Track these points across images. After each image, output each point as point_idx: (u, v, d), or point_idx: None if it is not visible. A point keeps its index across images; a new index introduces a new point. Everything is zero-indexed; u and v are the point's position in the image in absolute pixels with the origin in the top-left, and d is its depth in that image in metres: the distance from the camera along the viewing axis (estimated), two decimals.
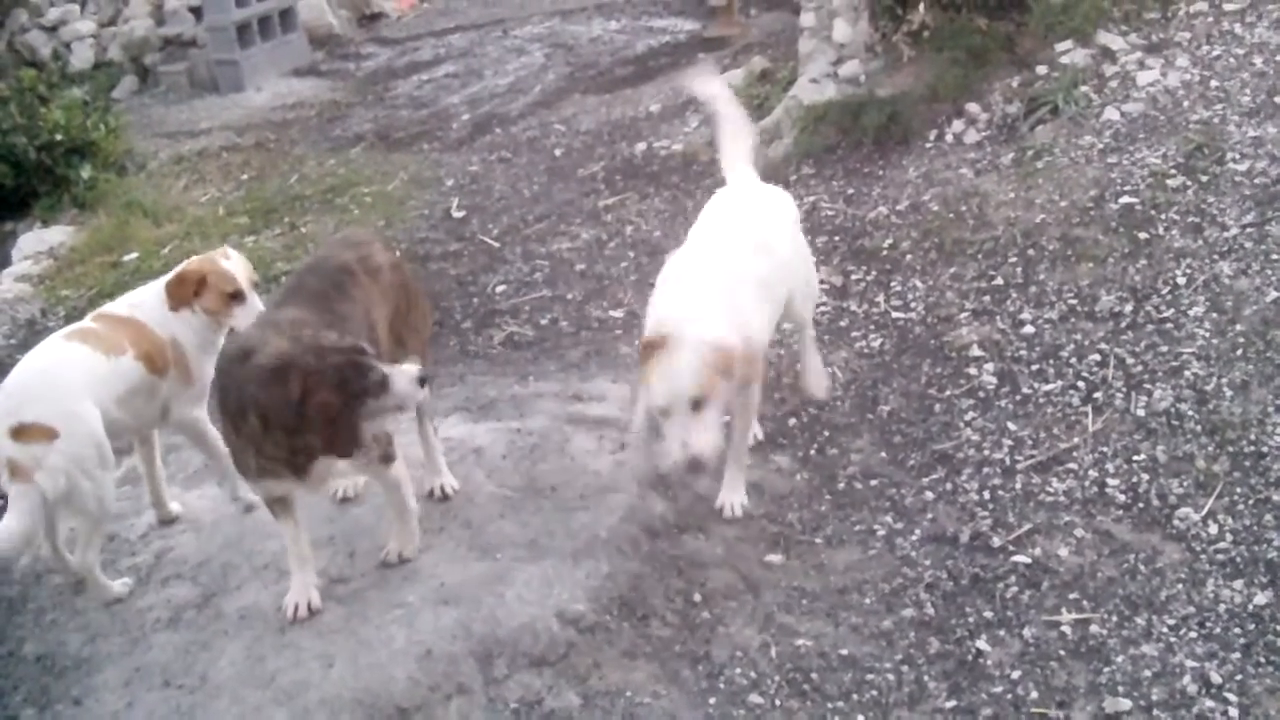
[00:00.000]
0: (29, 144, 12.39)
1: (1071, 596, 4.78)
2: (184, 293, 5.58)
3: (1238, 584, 4.78)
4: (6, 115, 12.50)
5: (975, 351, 6.39)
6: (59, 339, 5.51)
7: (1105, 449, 5.55)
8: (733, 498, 5.53)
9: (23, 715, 5.13)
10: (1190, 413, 5.64)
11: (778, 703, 4.49)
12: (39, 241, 11.61)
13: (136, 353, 5.44)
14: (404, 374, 4.59)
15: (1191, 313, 6.24)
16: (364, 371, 4.54)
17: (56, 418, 5.07)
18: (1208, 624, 4.62)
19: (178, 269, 5.74)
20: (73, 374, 5.23)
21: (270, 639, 5.20)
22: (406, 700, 4.71)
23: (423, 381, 4.62)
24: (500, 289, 8.52)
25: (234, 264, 5.68)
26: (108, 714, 4.99)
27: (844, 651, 4.67)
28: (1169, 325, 6.21)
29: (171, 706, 4.95)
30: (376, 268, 5.40)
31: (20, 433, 4.99)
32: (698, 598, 5.06)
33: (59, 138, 12.56)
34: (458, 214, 10.16)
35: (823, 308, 7.20)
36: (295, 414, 4.49)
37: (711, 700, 4.52)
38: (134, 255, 10.44)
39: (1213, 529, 5.05)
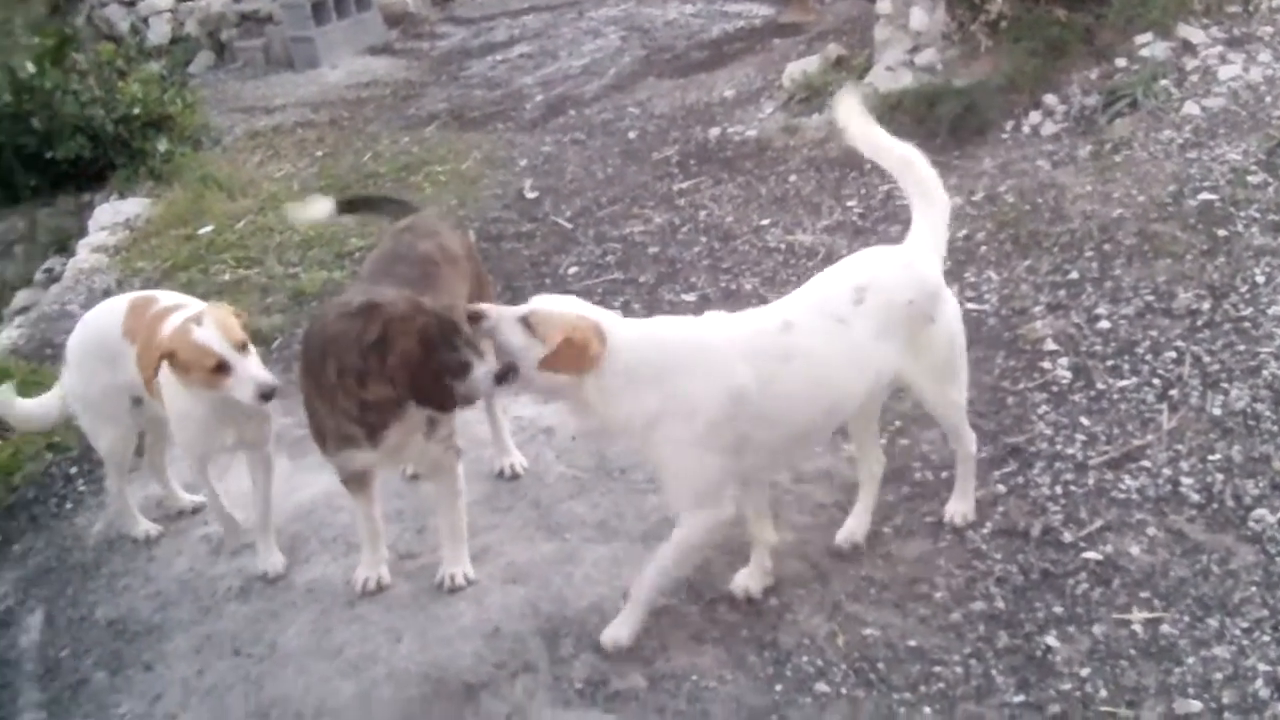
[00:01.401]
0: (107, 117, 12.54)
1: (1143, 595, 4.72)
2: (148, 365, 5.11)
3: None
4: (85, 88, 12.64)
5: (1050, 345, 6.34)
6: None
7: (1180, 447, 5.48)
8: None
9: (94, 679, 5.21)
10: (1267, 413, 5.57)
11: (843, 691, 4.48)
12: (115, 213, 11.73)
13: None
14: (485, 367, 4.57)
15: (1270, 311, 6.17)
16: (452, 340, 4.54)
17: None
18: None
19: (152, 335, 5.23)
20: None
21: (338, 611, 5.26)
22: (472, 677, 4.75)
23: (500, 379, 4.55)
24: (572, 270, 8.55)
25: (207, 331, 4.93)
26: (177, 680, 5.06)
27: (912, 642, 4.65)
28: (1247, 324, 6.14)
29: (240, 675, 5.01)
30: (455, 256, 5.44)
31: None
32: (769, 581, 5.05)
33: (136, 111, 12.71)
34: (531, 194, 10.18)
35: None
36: (373, 354, 4.50)
37: (777, 687, 4.52)
38: (209, 228, 10.52)
39: None
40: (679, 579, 4.84)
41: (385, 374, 4.51)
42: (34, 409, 6.11)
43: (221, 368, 4.90)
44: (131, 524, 6.07)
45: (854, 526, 5.20)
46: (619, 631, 4.77)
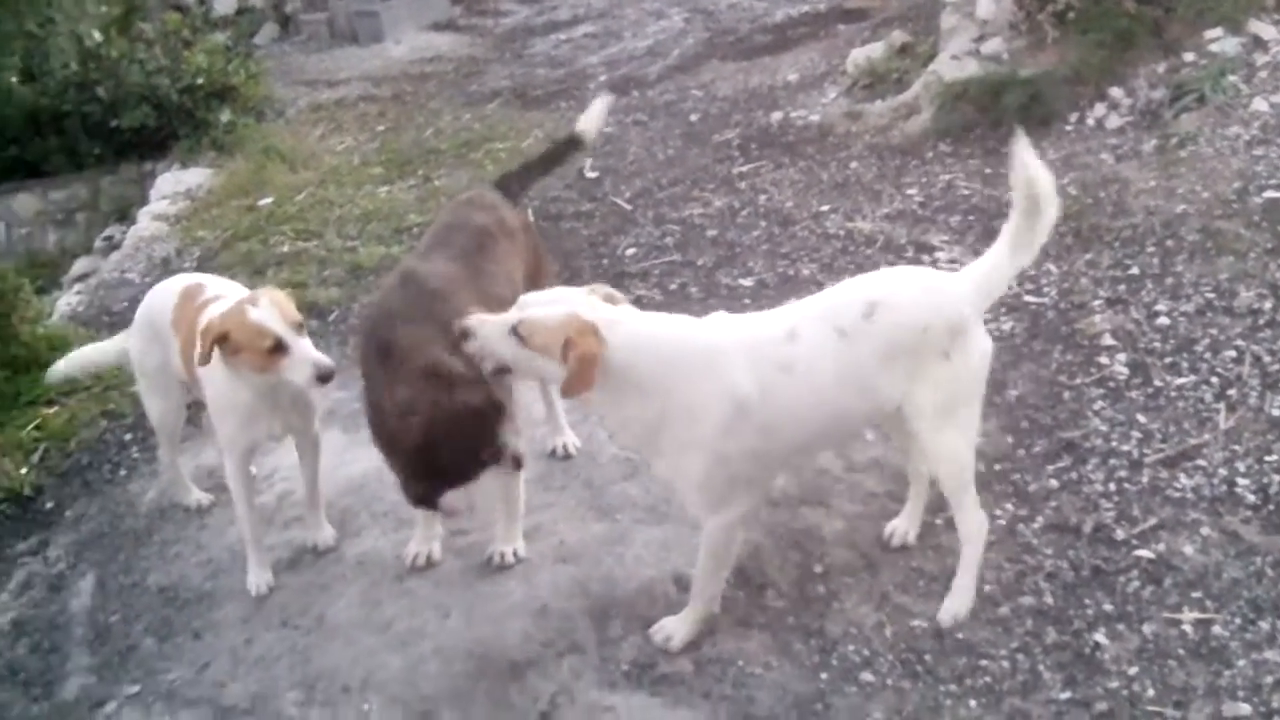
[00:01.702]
0: (171, 86, 12.66)
1: (1194, 595, 4.68)
2: (206, 350, 4.82)
3: None
4: (151, 57, 12.77)
5: (1108, 340, 6.29)
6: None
7: (1237, 447, 5.43)
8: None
9: (143, 645, 5.26)
10: None
11: (889, 682, 4.47)
12: (177, 182, 11.84)
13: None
14: (515, 443, 4.62)
15: None
16: (494, 432, 4.55)
17: None
18: None
19: (204, 322, 5.02)
20: None
21: (388, 585, 5.29)
22: (520, 655, 4.77)
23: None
24: (630, 251, 8.54)
25: (264, 312, 4.80)
26: (226, 649, 5.10)
27: (959, 635, 4.63)
28: None
29: (288, 645, 5.05)
30: (512, 230, 5.43)
31: None
32: (818, 569, 5.05)
33: (200, 81, 12.84)
34: (591, 174, 10.19)
35: None
36: (417, 455, 4.51)
37: (823, 675, 4.51)
38: (269, 200, 10.59)
39: None
40: (725, 576, 4.72)
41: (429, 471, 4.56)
42: (92, 352, 6.27)
43: (279, 348, 4.73)
44: (183, 493, 6.13)
45: (904, 526, 5.13)
46: (675, 630, 4.70)
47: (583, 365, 4.02)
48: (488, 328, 4.19)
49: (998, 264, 4.54)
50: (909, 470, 5.10)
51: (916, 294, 4.42)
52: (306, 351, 4.78)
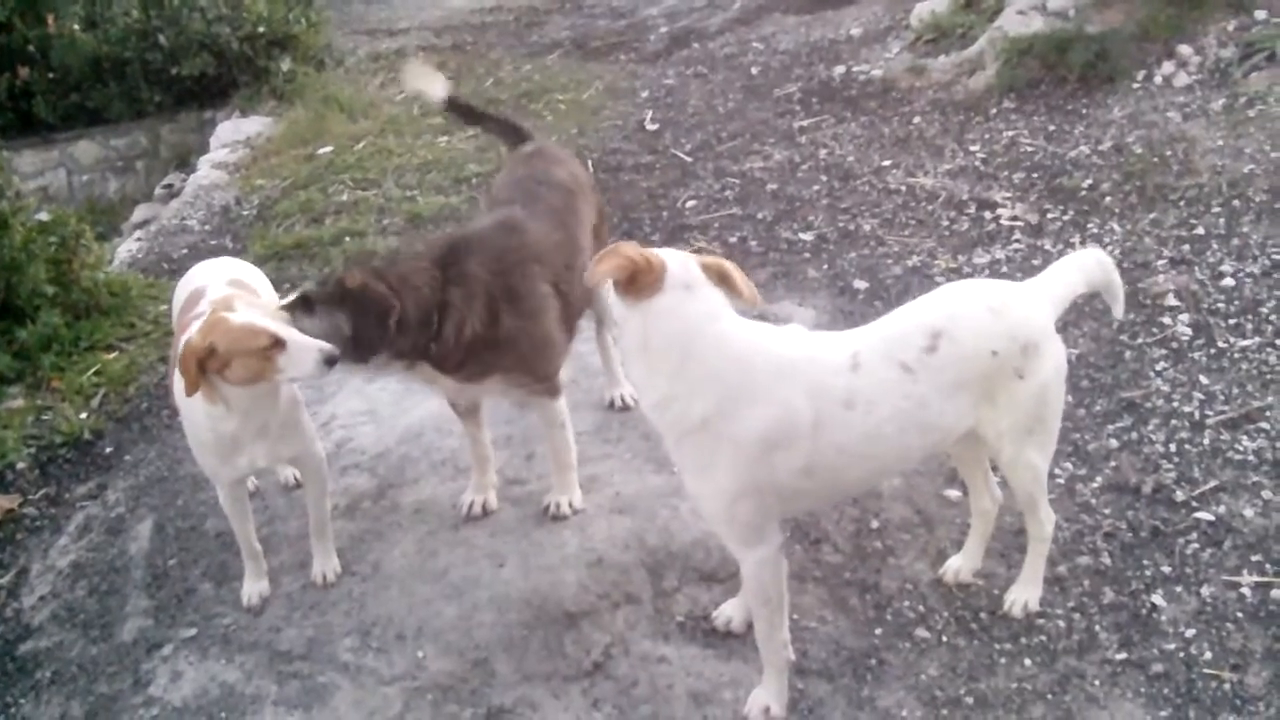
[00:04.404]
0: (232, 35, 12.69)
1: (1254, 559, 4.65)
2: (191, 374, 4.28)
3: None
4: (212, 5, 12.81)
5: (1171, 301, 6.23)
6: None
7: None
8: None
9: (200, 589, 5.29)
10: None
11: (944, 639, 4.45)
12: (236, 131, 11.89)
13: None
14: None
15: None
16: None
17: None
18: None
19: (180, 347, 4.46)
20: None
21: (444, 534, 5.30)
22: (574, 605, 4.77)
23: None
24: (690, 204, 8.51)
25: (246, 311, 4.40)
26: (282, 595, 5.12)
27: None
28: None
29: (343, 592, 5.07)
30: (584, 185, 5.46)
31: None
32: (874, 525, 5.04)
33: (261, 30, 12.86)
34: (651, 126, 10.16)
35: (1017, 245, 7.08)
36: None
37: (877, 630, 4.50)
38: (328, 149, 10.62)
39: None
40: (784, 620, 4.25)
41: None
42: None
43: (276, 344, 4.26)
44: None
45: (961, 564, 4.77)
46: (766, 701, 4.20)
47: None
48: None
49: (1070, 276, 4.29)
50: (973, 507, 4.73)
51: (983, 317, 4.05)
52: (305, 339, 4.34)
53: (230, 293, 4.73)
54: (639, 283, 3.70)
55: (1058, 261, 4.34)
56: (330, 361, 4.31)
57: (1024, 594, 4.54)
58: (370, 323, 4.49)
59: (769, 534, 3.96)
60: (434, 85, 5.99)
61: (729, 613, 4.59)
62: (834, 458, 3.86)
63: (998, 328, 4.01)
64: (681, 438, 3.85)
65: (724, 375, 3.75)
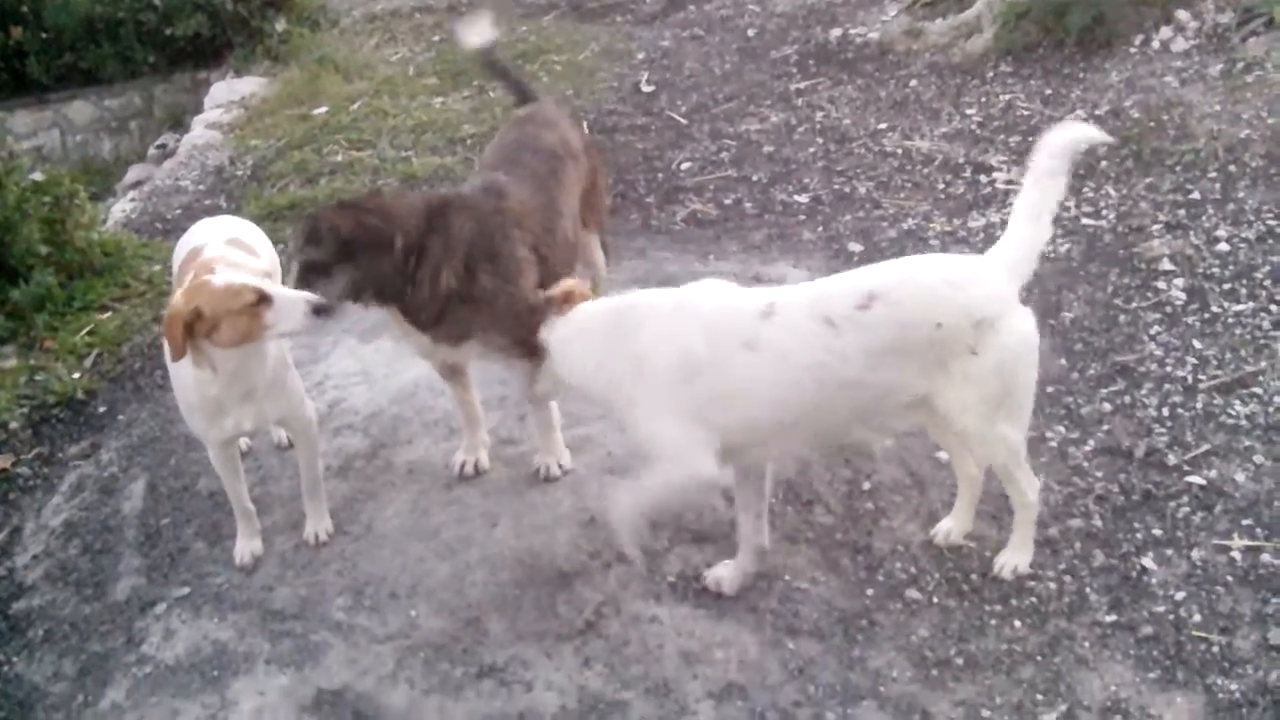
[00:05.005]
0: None
1: (1245, 523, 4.66)
2: (177, 340, 4.26)
3: None
4: None
5: (1165, 265, 6.23)
6: None
7: None
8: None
9: (193, 548, 5.30)
10: None
11: (935, 600, 4.47)
12: (230, 91, 11.85)
13: None
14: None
15: None
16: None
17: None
18: None
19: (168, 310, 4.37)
20: None
21: (436, 494, 5.31)
22: (567, 564, 4.79)
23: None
24: (686, 166, 8.49)
25: (228, 271, 4.37)
26: (275, 555, 5.14)
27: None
28: None
29: (336, 552, 5.08)
30: (575, 151, 5.43)
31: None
32: (866, 486, 5.06)
33: None
34: (647, 88, 10.14)
35: (1011, 209, 7.04)
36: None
37: (869, 591, 4.51)
38: (323, 109, 10.59)
39: None
40: (655, 509, 4.49)
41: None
42: None
43: (262, 300, 4.23)
44: None
45: (951, 527, 4.76)
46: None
47: None
48: None
49: (1026, 243, 4.13)
50: (955, 469, 4.77)
51: (934, 288, 4.05)
52: (290, 293, 4.34)
53: (218, 254, 4.72)
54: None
55: (1010, 238, 4.18)
56: (319, 311, 4.29)
57: (1014, 558, 4.54)
58: (383, 260, 4.56)
59: (693, 457, 4.10)
60: (477, 32, 6.04)
61: (720, 573, 4.60)
62: (746, 395, 4.07)
63: (948, 301, 4.01)
64: (611, 392, 4.25)
65: (634, 335, 4.18)
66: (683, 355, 4.08)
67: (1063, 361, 5.68)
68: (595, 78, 10.62)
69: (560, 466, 5.28)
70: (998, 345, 4.02)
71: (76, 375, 6.79)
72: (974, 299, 4.01)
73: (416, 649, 4.51)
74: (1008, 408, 4.15)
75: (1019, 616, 4.35)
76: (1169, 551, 4.56)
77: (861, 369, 3.99)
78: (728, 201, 7.80)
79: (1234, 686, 3.99)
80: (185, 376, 4.53)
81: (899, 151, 8.12)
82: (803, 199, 7.69)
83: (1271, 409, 5.20)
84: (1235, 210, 6.54)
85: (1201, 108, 7.54)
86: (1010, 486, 4.42)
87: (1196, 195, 6.77)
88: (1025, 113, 8.21)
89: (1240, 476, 4.87)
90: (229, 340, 4.30)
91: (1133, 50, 8.53)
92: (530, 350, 4.58)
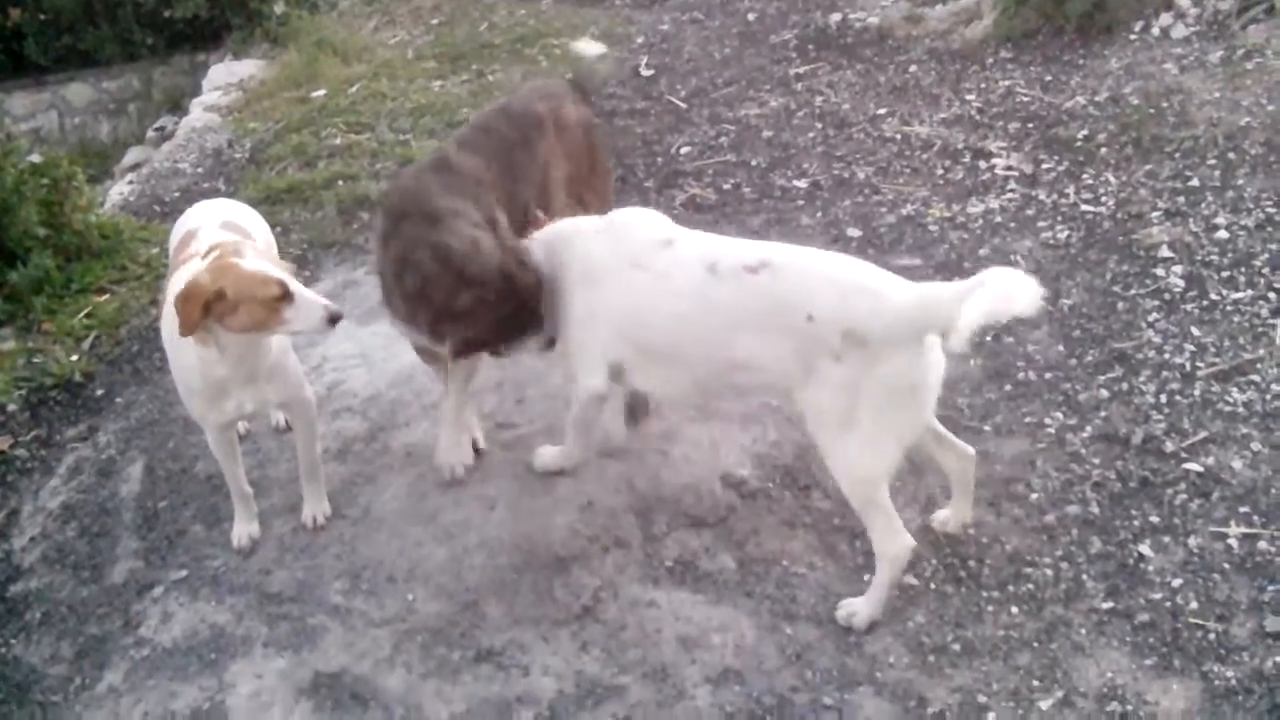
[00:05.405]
0: None
1: (1242, 510, 4.66)
2: (193, 317, 4.23)
3: None
4: None
5: (1164, 252, 6.22)
6: None
7: None
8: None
9: (191, 531, 5.31)
10: None
11: (933, 586, 4.48)
12: (229, 73, 11.85)
13: None
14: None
15: None
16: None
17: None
18: None
19: (186, 281, 4.31)
20: None
21: (434, 478, 5.33)
22: (564, 549, 4.80)
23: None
24: (685, 150, 8.48)
25: (257, 260, 4.36)
26: (272, 538, 5.15)
27: (1004, 542, 4.63)
28: None
29: (334, 535, 5.09)
30: (566, 125, 5.37)
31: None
32: None
33: None
34: (646, 72, 10.11)
35: (1011, 194, 7.06)
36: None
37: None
38: (321, 92, 10.58)
39: None
40: (580, 442, 5.09)
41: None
42: None
43: (285, 296, 4.24)
44: None
45: (949, 516, 4.76)
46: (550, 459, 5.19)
47: None
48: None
49: (960, 299, 3.69)
50: (946, 468, 4.68)
51: (817, 279, 4.08)
52: (312, 295, 4.38)
53: (227, 237, 4.70)
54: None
55: (957, 284, 3.83)
56: (333, 320, 4.33)
57: (862, 608, 4.36)
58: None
59: (589, 370, 4.67)
60: (588, 49, 6.09)
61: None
62: (626, 310, 4.49)
63: (827, 298, 4.01)
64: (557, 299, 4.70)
65: (567, 245, 4.72)
66: (586, 261, 4.61)
67: (1061, 348, 5.67)
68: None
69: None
70: (862, 362, 3.95)
71: (74, 358, 6.79)
72: (853, 307, 3.97)
73: (414, 632, 4.52)
74: (862, 430, 4.05)
75: (1016, 603, 4.35)
76: (1166, 538, 4.56)
77: (726, 326, 4.21)
78: (726, 186, 7.78)
79: (1230, 673, 3.99)
80: (187, 358, 4.50)
81: (898, 137, 8.10)
82: (801, 184, 7.67)
83: (1269, 396, 5.19)
84: (1234, 198, 6.53)
85: (1201, 95, 7.53)
86: (870, 531, 4.32)
87: (1196, 182, 6.76)
88: (1025, 99, 8.19)
89: (1237, 464, 4.86)
90: (241, 326, 4.30)
91: (1132, 37, 8.51)
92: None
